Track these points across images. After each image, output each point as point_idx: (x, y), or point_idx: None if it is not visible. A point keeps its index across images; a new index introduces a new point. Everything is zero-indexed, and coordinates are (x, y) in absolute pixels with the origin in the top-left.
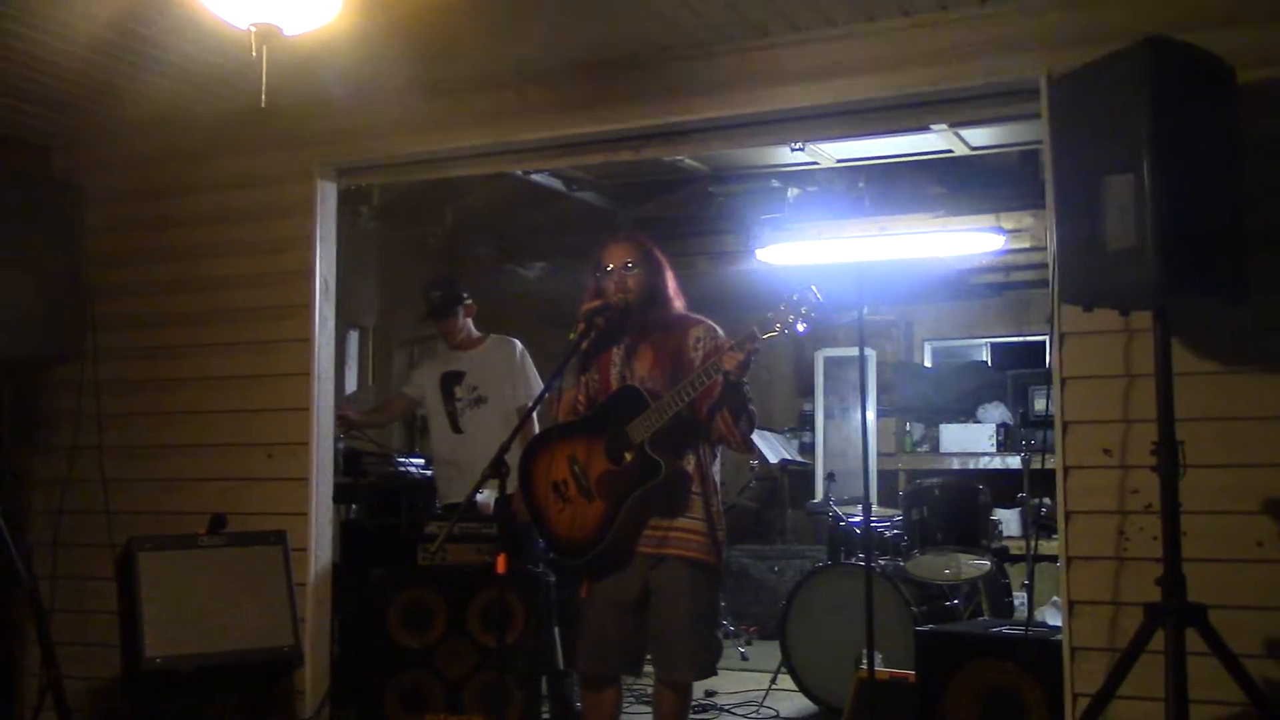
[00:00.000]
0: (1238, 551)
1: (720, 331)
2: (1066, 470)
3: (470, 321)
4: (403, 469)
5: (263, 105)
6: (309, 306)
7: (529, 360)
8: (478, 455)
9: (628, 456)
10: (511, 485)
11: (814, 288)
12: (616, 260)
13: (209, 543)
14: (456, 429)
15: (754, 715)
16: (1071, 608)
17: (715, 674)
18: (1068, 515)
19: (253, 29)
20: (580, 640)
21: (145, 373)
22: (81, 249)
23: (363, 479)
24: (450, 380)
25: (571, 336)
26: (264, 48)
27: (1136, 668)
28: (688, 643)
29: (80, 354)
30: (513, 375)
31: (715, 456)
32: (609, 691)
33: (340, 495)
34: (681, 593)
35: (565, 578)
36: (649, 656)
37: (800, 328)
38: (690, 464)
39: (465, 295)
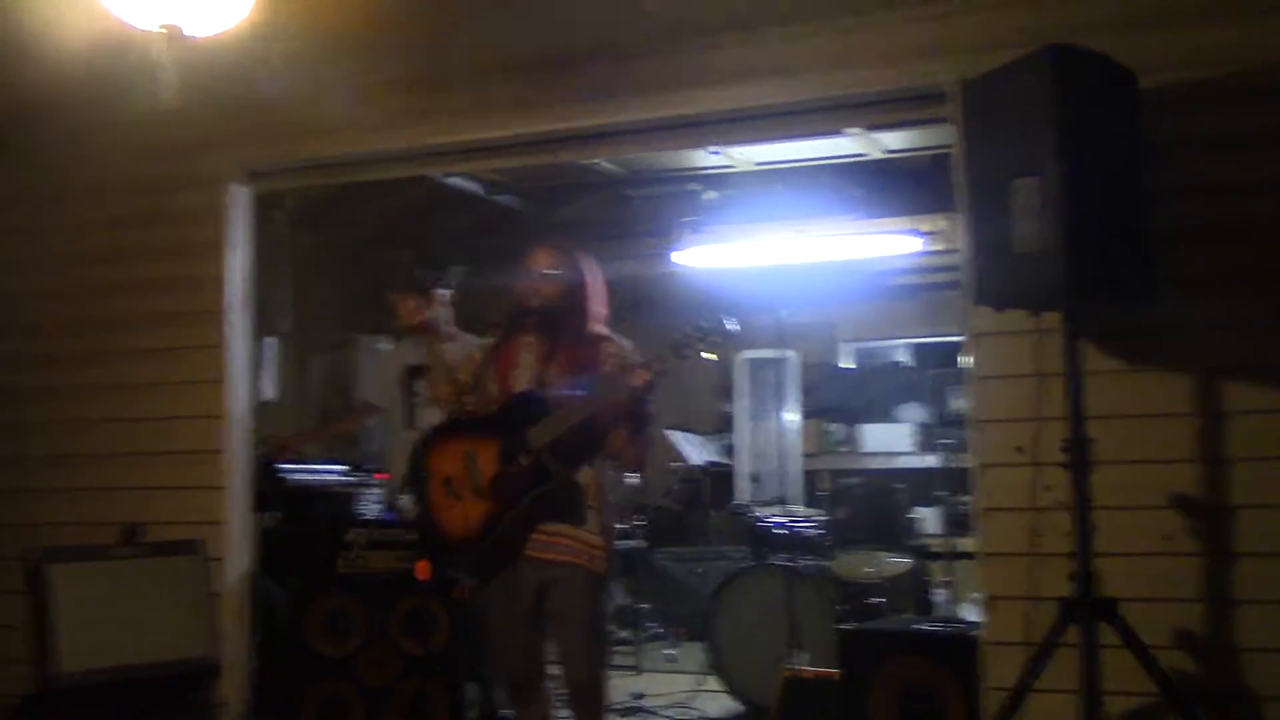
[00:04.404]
0: (1147, 545)
1: (629, 347)
2: (981, 468)
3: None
4: (321, 476)
5: (169, 108)
6: (222, 313)
7: None
8: None
9: (523, 461)
10: None
11: (728, 317)
12: (536, 265)
13: (122, 553)
14: (411, 424)
15: (682, 717)
16: (988, 603)
17: (606, 673)
18: (983, 512)
19: (158, 30)
20: (491, 650)
21: (55, 380)
22: None
23: (280, 486)
24: (413, 373)
25: (486, 342)
26: (169, 50)
27: (1052, 661)
28: (587, 644)
29: None
30: None
31: (616, 473)
32: (538, 693)
33: (258, 503)
34: (580, 599)
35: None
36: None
37: (713, 356)
38: (587, 476)
39: (453, 285)
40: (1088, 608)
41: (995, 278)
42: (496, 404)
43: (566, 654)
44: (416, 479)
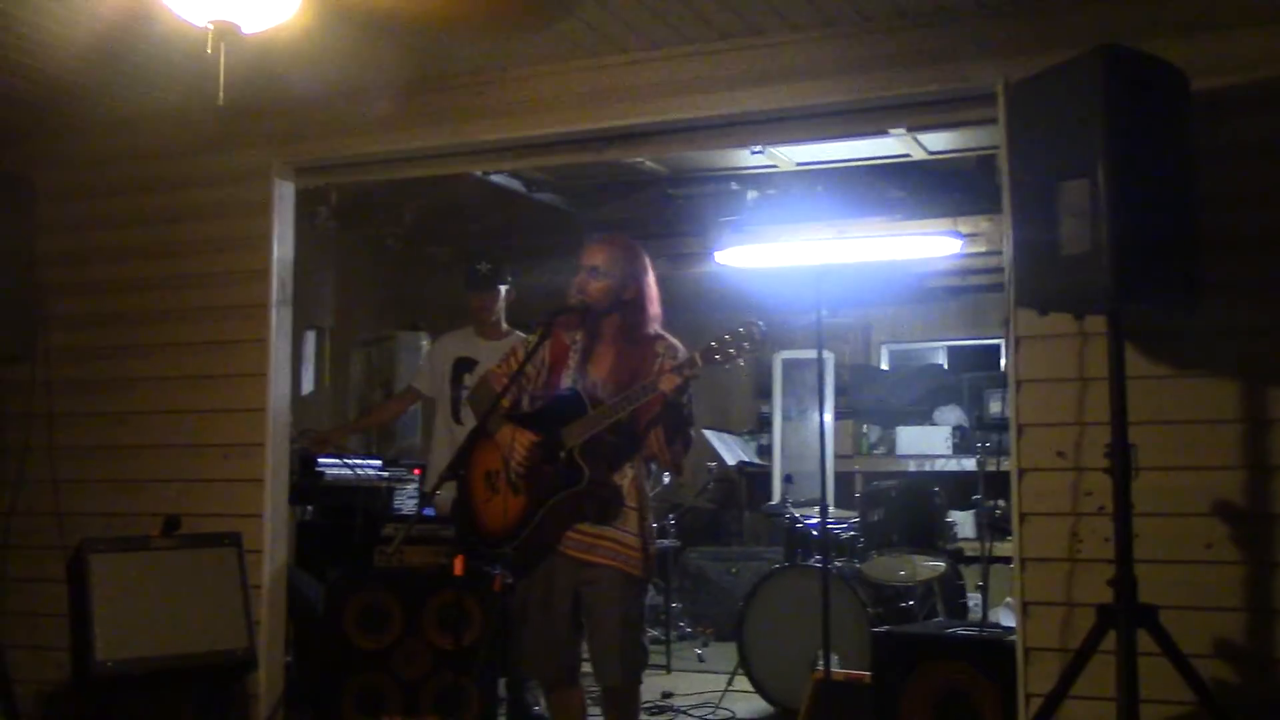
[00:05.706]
0: (1188, 553)
1: (681, 348)
2: (1021, 472)
3: (503, 311)
4: (359, 471)
5: (220, 104)
6: (265, 307)
7: None
8: None
9: (558, 459)
10: None
11: (759, 322)
12: (586, 261)
13: (162, 545)
14: (456, 418)
15: (710, 717)
16: (1025, 608)
17: (640, 680)
18: (1022, 517)
19: (210, 26)
20: (526, 647)
21: (99, 373)
22: (33, 245)
23: (318, 480)
24: (462, 366)
25: (531, 339)
26: (221, 45)
27: (1088, 668)
28: (617, 648)
29: (30, 354)
30: None
31: (651, 474)
32: (572, 692)
33: (295, 496)
34: (613, 601)
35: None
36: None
37: (740, 362)
38: (626, 478)
39: (510, 280)
40: (1127, 614)
41: (1039, 280)
42: (542, 401)
43: (598, 657)
44: (459, 471)
